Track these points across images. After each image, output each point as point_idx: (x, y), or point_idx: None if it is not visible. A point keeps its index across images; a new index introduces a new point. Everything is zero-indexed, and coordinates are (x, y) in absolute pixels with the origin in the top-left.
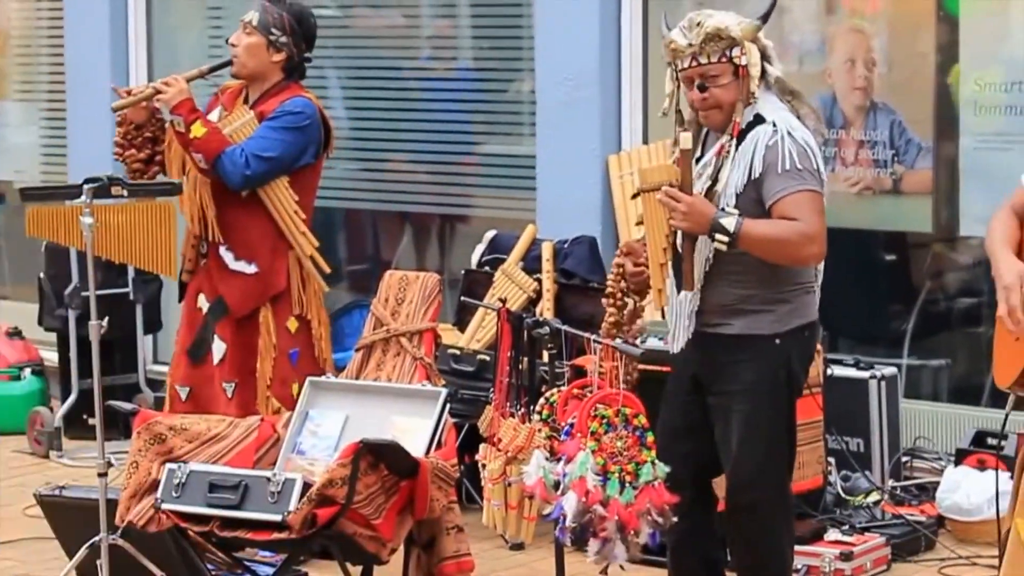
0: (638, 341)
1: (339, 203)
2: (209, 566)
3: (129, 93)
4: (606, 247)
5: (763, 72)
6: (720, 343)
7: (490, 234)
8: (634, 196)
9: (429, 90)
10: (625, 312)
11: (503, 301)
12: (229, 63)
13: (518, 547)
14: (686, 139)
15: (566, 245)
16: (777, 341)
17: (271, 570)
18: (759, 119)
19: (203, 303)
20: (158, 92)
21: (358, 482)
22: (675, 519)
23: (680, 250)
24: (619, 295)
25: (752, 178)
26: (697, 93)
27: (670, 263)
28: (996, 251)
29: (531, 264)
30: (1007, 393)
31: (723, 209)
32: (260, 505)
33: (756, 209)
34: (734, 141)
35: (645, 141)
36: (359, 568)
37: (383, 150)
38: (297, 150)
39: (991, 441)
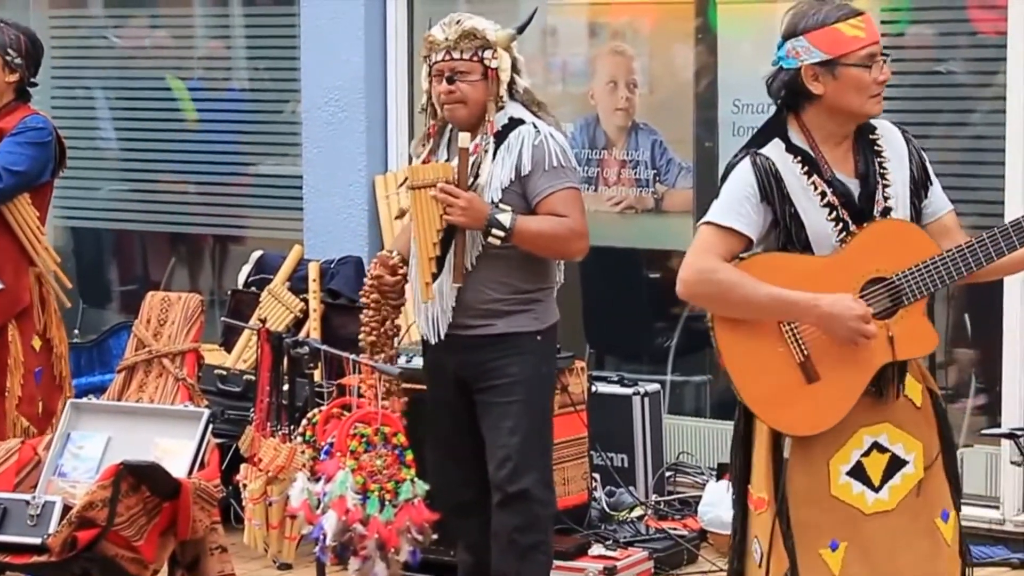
0: (401, 360)
1: (108, 224)
2: None
3: None
4: None
5: (512, 82)
6: (484, 343)
7: (256, 254)
8: (403, 186)
9: (200, 110)
10: (383, 330)
11: (263, 321)
12: None
13: (286, 567)
14: (464, 138)
15: (332, 265)
16: (539, 338)
17: None
18: (516, 121)
19: None
20: None
21: (119, 504)
22: (465, 519)
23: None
24: (373, 307)
25: (521, 175)
26: (445, 86)
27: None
28: (783, 295)
29: (298, 284)
30: None
31: (497, 206)
32: (19, 528)
33: (519, 203)
34: (491, 140)
35: (411, 162)
36: None
37: (153, 171)
38: (41, 165)
39: None
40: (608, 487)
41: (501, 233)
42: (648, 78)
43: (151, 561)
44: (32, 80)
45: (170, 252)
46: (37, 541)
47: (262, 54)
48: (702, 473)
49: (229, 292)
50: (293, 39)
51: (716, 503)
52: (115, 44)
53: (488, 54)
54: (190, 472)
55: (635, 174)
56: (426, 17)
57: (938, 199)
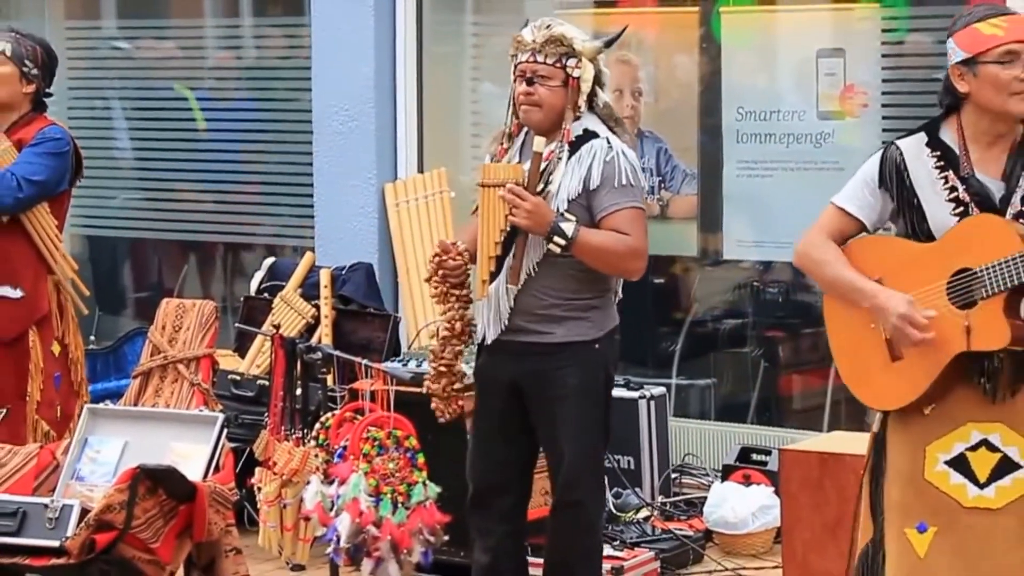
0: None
1: (123, 232)
2: None
3: None
4: (383, 273)
5: (594, 94)
6: (542, 351)
7: (268, 261)
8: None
9: (213, 120)
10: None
11: (276, 327)
12: None
13: (299, 568)
14: (539, 142)
15: (343, 272)
16: (596, 346)
17: None
18: (591, 134)
19: None
20: None
21: (136, 507)
22: (496, 523)
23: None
24: (439, 296)
25: (589, 188)
26: (524, 87)
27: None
28: (855, 280)
29: (309, 291)
30: (770, 411)
31: (562, 214)
32: (38, 531)
33: (584, 216)
34: (566, 148)
35: (420, 170)
36: None
37: (167, 179)
38: (59, 175)
39: (756, 457)
40: (615, 488)
41: (562, 242)
42: (653, 86)
43: (168, 563)
44: (47, 91)
45: (184, 259)
46: (56, 544)
47: (273, 64)
48: (707, 474)
49: (242, 299)
50: (304, 49)
51: (721, 504)
52: (129, 55)
53: (572, 62)
54: (205, 475)
55: None
56: (435, 28)
57: None
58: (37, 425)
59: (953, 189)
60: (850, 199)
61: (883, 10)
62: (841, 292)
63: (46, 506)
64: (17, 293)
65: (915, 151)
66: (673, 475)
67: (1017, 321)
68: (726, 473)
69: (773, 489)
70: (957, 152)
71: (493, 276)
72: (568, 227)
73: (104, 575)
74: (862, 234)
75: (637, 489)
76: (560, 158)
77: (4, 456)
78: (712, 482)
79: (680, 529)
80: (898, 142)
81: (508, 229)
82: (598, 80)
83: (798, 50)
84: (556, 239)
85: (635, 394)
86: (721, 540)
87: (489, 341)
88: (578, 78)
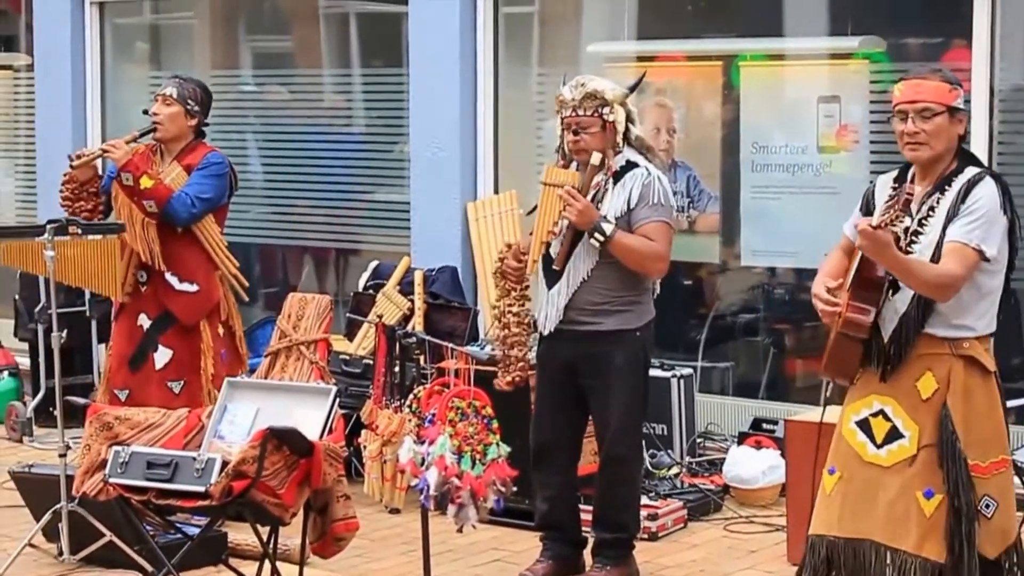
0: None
1: (255, 239)
2: (147, 527)
3: (79, 156)
4: (465, 275)
5: (627, 130)
6: (595, 338)
7: (373, 264)
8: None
9: (328, 150)
10: (510, 315)
11: (380, 317)
12: (153, 129)
13: (395, 511)
14: (596, 157)
15: (433, 273)
16: (637, 333)
17: (197, 530)
18: (632, 164)
19: (144, 321)
20: (106, 152)
21: (266, 460)
22: (554, 476)
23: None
24: (498, 286)
25: (630, 207)
26: (572, 136)
27: (542, 264)
28: (819, 274)
29: (406, 288)
30: (778, 389)
31: (604, 217)
32: (187, 479)
33: (625, 230)
34: (611, 180)
35: (496, 191)
36: (267, 528)
37: (291, 197)
38: (221, 192)
39: (766, 426)
40: (651, 450)
41: (601, 238)
42: (685, 125)
43: (291, 505)
44: (205, 122)
45: (304, 262)
46: (201, 489)
47: (379, 107)
48: (726, 440)
49: (352, 294)
50: (403, 93)
51: (737, 464)
52: (260, 97)
53: (606, 111)
54: (321, 436)
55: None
56: (508, 77)
57: (952, 232)
58: (211, 392)
59: None
60: (847, 223)
61: (871, 65)
62: None
63: (194, 459)
64: (194, 287)
65: (884, 182)
66: (698, 440)
67: (851, 308)
68: (741, 439)
69: (780, 452)
70: (907, 185)
71: (547, 260)
72: (607, 227)
73: (240, 515)
74: None
75: (669, 451)
76: (607, 189)
77: (160, 418)
78: (730, 446)
79: (703, 484)
80: (880, 176)
81: (559, 222)
82: (629, 118)
83: (802, 97)
84: (596, 235)
85: (668, 374)
86: (736, 493)
87: (546, 332)
88: (612, 121)
